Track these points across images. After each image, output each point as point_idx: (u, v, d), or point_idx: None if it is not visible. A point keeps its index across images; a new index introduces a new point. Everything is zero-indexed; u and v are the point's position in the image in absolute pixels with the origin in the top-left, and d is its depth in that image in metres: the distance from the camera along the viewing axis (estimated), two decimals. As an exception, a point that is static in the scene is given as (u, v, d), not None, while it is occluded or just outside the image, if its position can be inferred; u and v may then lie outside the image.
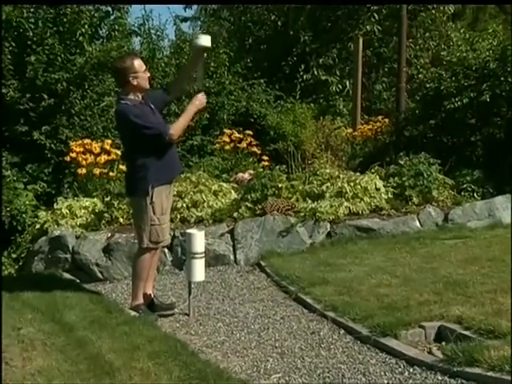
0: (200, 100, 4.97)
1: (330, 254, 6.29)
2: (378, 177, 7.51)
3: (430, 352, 3.98)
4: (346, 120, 11.90)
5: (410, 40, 13.18)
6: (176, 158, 5.09)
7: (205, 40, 4.92)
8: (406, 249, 6.35)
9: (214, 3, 14.70)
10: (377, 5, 13.21)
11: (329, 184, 7.33)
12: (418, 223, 7.08)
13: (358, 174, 7.70)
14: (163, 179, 4.86)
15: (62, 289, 5.38)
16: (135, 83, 4.76)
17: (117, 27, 10.07)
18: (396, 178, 7.56)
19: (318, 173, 7.75)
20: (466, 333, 4.00)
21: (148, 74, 4.90)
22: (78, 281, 6.16)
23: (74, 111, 8.90)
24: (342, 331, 4.45)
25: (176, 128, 4.82)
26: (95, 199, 7.36)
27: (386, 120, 10.68)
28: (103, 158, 8.23)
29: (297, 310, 4.99)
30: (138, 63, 4.79)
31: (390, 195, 7.36)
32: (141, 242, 4.91)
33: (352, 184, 7.24)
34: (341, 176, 7.48)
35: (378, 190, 7.29)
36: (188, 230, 5.22)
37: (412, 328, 4.18)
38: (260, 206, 6.98)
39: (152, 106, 4.87)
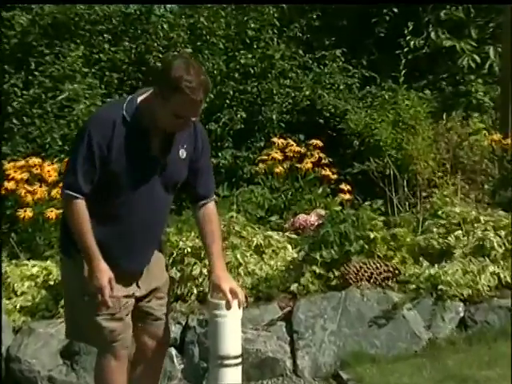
0: None
1: (465, 360, 6.27)
2: (549, 220, 7.46)
3: None
4: (491, 118, 11.84)
5: None
6: (145, 242, 4.80)
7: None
8: None
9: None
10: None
11: (461, 233, 7.34)
12: None
13: (512, 213, 7.67)
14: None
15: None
16: None
17: (85, -37, 10.29)
18: None
19: (440, 213, 7.77)
20: None
21: None
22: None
23: (12, 108, 9.02)
24: None
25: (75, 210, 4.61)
26: (48, 262, 7.44)
27: None
28: (63, 190, 8.31)
29: None
30: None
31: None
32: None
33: (503, 233, 7.20)
34: (482, 218, 7.49)
35: (549, 242, 7.23)
36: (213, 314, 5.14)
37: None
38: (338, 273, 7.00)
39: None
